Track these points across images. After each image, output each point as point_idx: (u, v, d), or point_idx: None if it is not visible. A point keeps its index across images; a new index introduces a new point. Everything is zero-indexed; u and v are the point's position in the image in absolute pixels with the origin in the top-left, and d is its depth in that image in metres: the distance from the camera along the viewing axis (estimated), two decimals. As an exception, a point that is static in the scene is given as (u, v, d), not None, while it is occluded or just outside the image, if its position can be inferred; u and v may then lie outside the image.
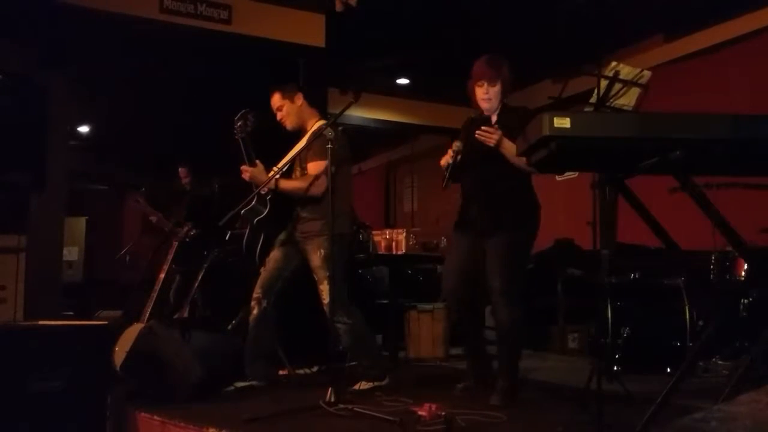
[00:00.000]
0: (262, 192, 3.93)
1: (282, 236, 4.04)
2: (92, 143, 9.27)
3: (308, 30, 5.77)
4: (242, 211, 3.91)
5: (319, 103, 5.67)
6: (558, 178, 7.23)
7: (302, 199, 3.95)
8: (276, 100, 4.02)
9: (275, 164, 3.98)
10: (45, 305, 4.65)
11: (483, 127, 3.39)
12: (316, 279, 3.88)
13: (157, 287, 4.60)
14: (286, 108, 4.00)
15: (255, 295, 3.97)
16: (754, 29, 5.70)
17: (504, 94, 3.61)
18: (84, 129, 9.04)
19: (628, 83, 3.42)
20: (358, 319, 3.92)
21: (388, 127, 8.65)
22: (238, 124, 3.87)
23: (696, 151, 2.19)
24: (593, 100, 3.44)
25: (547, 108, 3.52)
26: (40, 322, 3.46)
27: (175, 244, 4.87)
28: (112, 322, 4.81)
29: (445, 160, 3.45)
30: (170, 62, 5.91)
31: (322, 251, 3.81)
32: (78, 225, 8.16)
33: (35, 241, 4.47)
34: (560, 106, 3.74)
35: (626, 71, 3.45)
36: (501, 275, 3.42)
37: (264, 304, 3.95)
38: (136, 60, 5.93)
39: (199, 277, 4.68)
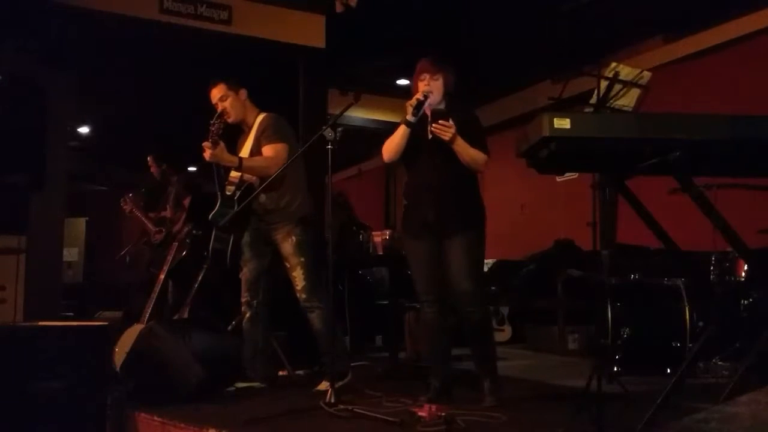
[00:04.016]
0: (228, 192, 3.93)
1: (246, 237, 4.04)
2: (92, 143, 9.28)
3: (308, 31, 5.77)
4: (210, 216, 3.89)
5: (319, 104, 5.70)
6: (558, 178, 7.23)
7: (263, 190, 3.94)
8: (221, 90, 4.01)
9: None
10: (45, 306, 4.66)
11: (440, 121, 3.35)
12: (288, 266, 3.91)
13: (157, 288, 4.61)
14: (230, 100, 4.00)
15: (243, 300, 4.02)
16: (753, 30, 5.71)
17: (446, 91, 3.56)
18: (84, 129, 9.04)
19: (628, 84, 3.43)
20: (330, 305, 3.93)
21: (388, 128, 8.57)
22: (215, 125, 3.83)
23: (696, 151, 2.20)
24: (593, 100, 3.45)
25: (547, 108, 3.52)
26: (40, 323, 3.46)
27: (175, 245, 4.87)
28: (112, 322, 4.81)
29: (415, 99, 3.43)
30: (170, 62, 5.91)
31: (294, 238, 3.87)
32: (78, 225, 8.16)
33: (35, 242, 4.48)
34: (560, 107, 3.74)
35: (626, 72, 3.46)
36: (470, 276, 3.40)
37: (254, 305, 4.00)
38: (136, 60, 5.94)
39: (200, 278, 4.68)
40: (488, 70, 6.91)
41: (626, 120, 2.68)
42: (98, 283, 8.11)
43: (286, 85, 5.64)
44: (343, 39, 5.86)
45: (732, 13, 5.79)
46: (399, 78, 8.12)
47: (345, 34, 5.85)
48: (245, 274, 4.02)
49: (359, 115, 8.12)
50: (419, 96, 3.44)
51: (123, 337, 4.30)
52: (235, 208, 3.86)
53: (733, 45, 5.88)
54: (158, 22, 5.23)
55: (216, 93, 4.02)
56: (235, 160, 3.83)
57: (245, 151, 4.02)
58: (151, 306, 4.52)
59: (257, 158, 3.90)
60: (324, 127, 3.63)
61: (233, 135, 4.13)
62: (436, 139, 3.42)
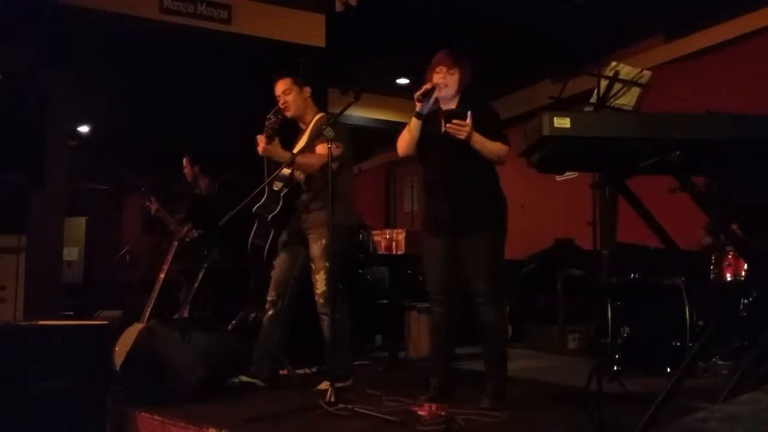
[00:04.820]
0: (275, 188, 3.93)
1: (284, 236, 4.04)
2: (92, 143, 9.27)
3: (308, 30, 5.77)
4: (254, 208, 3.90)
5: (319, 103, 5.69)
6: (558, 178, 7.23)
7: (309, 188, 3.96)
8: (286, 83, 4.03)
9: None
10: (45, 305, 4.65)
11: (454, 120, 3.29)
12: (313, 268, 3.89)
13: (157, 287, 4.61)
14: (293, 95, 4.02)
15: (269, 298, 3.99)
16: (753, 29, 5.70)
17: (461, 86, 3.50)
18: (84, 129, 9.03)
19: (628, 83, 3.43)
20: (343, 315, 3.93)
21: (388, 127, 8.64)
22: (271, 120, 3.84)
23: (696, 151, 2.19)
24: (593, 100, 3.46)
25: (547, 108, 3.51)
26: (40, 322, 3.46)
27: (175, 244, 4.87)
28: (112, 322, 4.81)
29: (423, 88, 3.36)
30: (170, 62, 5.91)
31: (324, 241, 3.83)
32: (78, 225, 8.15)
33: (35, 241, 4.48)
34: (560, 106, 3.74)
35: (626, 71, 3.46)
36: (486, 277, 3.37)
37: (279, 305, 3.97)
38: (136, 60, 5.93)
39: (200, 277, 4.68)
40: (488, 69, 6.90)
41: (626, 119, 2.67)
42: (98, 283, 8.10)
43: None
44: (343, 39, 5.85)
45: (732, 13, 5.79)
46: (399, 78, 8.13)
47: (345, 33, 5.84)
48: (276, 272, 4.01)
49: (359, 114, 8.13)
50: (428, 86, 3.37)
51: (123, 337, 4.30)
52: (281, 204, 3.87)
53: (733, 44, 5.88)
54: (158, 21, 5.23)
55: (281, 86, 4.03)
56: (287, 155, 3.82)
57: (297, 147, 4.01)
58: (151, 306, 4.52)
59: (309, 155, 3.87)
60: (324, 127, 3.62)
61: (290, 132, 4.14)
62: (449, 133, 3.36)
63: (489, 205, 3.48)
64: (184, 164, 5.94)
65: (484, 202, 3.47)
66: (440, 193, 3.47)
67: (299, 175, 3.98)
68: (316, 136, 3.75)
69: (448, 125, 3.31)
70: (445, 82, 3.45)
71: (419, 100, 3.38)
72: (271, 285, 4.01)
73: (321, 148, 3.82)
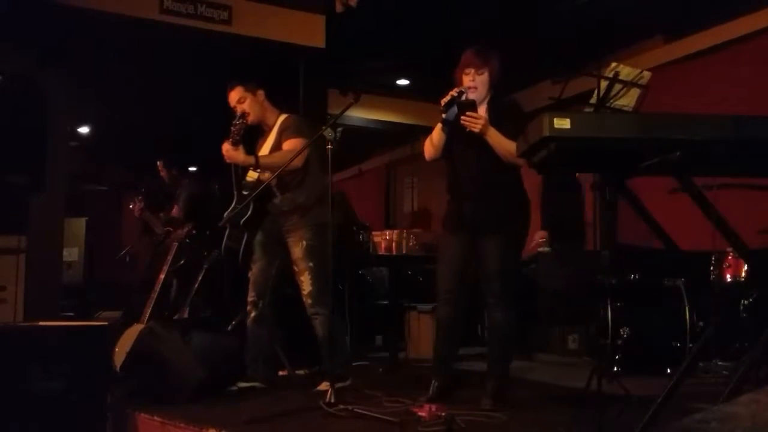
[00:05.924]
0: (245, 192, 3.93)
1: (259, 237, 4.04)
2: (92, 143, 9.27)
3: (308, 31, 5.78)
4: (225, 215, 3.92)
5: (319, 104, 5.71)
6: (558, 178, 7.22)
7: (281, 190, 3.97)
8: (238, 92, 4.01)
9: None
10: (45, 306, 4.66)
11: (468, 113, 3.26)
12: (297, 270, 3.91)
13: (157, 288, 4.61)
14: (248, 102, 4.00)
15: (250, 299, 4.00)
16: (753, 30, 5.70)
17: (492, 85, 3.45)
18: (84, 129, 9.04)
19: (628, 84, 3.42)
20: (337, 314, 3.94)
21: (388, 128, 8.64)
22: (237, 125, 3.86)
23: (696, 151, 2.19)
24: (593, 100, 3.45)
25: (547, 108, 3.51)
26: (40, 323, 3.46)
27: (175, 245, 4.87)
28: (112, 322, 4.81)
29: (449, 95, 3.29)
30: (170, 63, 5.91)
31: (305, 242, 3.86)
32: (78, 225, 8.15)
33: (35, 242, 4.47)
34: (560, 107, 3.74)
35: (626, 72, 3.46)
36: (500, 278, 3.36)
37: (260, 305, 3.98)
38: (136, 60, 5.94)
39: (200, 278, 4.68)
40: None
41: (626, 120, 2.67)
42: (98, 283, 8.10)
43: (286, 85, 5.65)
44: (343, 39, 5.86)
45: (732, 13, 5.79)
46: (399, 78, 8.12)
47: (345, 34, 5.85)
48: (254, 273, 4.02)
49: (359, 115, 8.12)
50: (453, 92, 3.31)
51: (123, 337, 4.30)
52: (251, 207, 3.87)
53: (733, 45, 5.88)
54: (158, 22, 5.23)
55: (234, 96, 4.02)
56: (251, 159, 3.84)
57: (265, 151, 4.02)
58: (151, 306, 4.52)
59: (274, 154, 3.90)
60: (324, 127, 3.63)
61: (255, 136, 4.14)
62: (472, 131, 3.32)
63: (511, 206, 3.46)
64: (159, 168, 5.94)
65: (507, 203, 3.44)
66: (463, 192, 3.46)
67: (266, 177, 3.97)
68: (316, 137, 3.76)
69: (462, 117, 3.28)
70: (474, 85, 3.39)
71: (444, 110, 3.33)
72: (250, 286, 4.02)
73: (286, 144, 3.86)
